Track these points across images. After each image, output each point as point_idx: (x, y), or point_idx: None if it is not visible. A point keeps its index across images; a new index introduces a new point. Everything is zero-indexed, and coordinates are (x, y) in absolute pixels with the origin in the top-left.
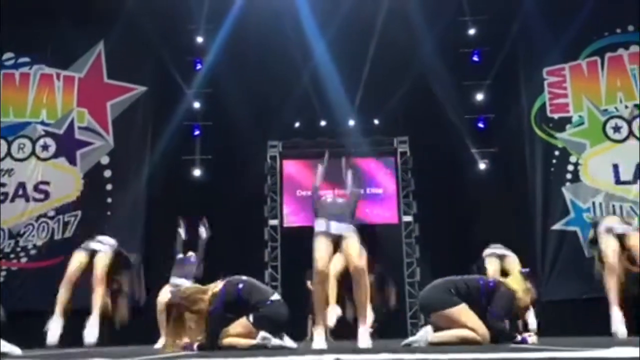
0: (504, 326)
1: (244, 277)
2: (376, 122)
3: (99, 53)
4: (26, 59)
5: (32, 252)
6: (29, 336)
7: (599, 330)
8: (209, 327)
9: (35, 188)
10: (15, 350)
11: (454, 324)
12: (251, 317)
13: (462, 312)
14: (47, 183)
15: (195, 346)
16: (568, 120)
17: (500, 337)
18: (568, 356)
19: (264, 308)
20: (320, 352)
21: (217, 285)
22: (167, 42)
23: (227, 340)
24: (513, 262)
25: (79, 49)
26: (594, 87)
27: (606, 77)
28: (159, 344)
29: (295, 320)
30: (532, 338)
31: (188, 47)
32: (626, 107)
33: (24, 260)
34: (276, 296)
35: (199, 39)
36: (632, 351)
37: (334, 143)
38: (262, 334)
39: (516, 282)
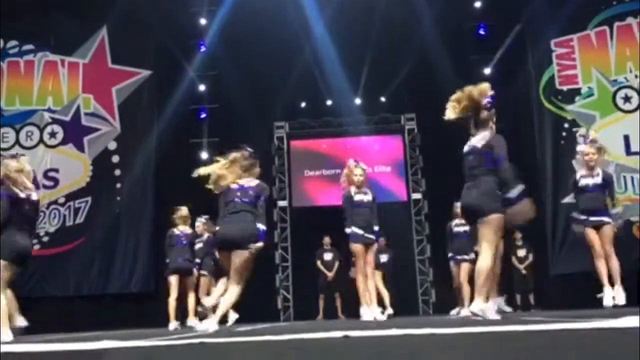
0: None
1: None
2: (382, 99)
3: (102, 38)
4: (30, 47)
5: (45, 239)
6: (45, 321)
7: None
8: None
9: (45, 175)
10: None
11: (482, 231)
12: None
13: (495, 222)
14: (56, 170)
15: None
16: (577, 91)
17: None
18: (579, 327)
19: None
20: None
21: None
22: (170, 25)
23: None
24: None
25: (82, 34)
26: (603, 58)
27: (615, 47)
28: (171, 327)
29: (306, 299)
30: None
31: (191, 30)
32: (636, 76)
33: (37, 247)
34: None
35: (202, 21)
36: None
37: (340, 122)
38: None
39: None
